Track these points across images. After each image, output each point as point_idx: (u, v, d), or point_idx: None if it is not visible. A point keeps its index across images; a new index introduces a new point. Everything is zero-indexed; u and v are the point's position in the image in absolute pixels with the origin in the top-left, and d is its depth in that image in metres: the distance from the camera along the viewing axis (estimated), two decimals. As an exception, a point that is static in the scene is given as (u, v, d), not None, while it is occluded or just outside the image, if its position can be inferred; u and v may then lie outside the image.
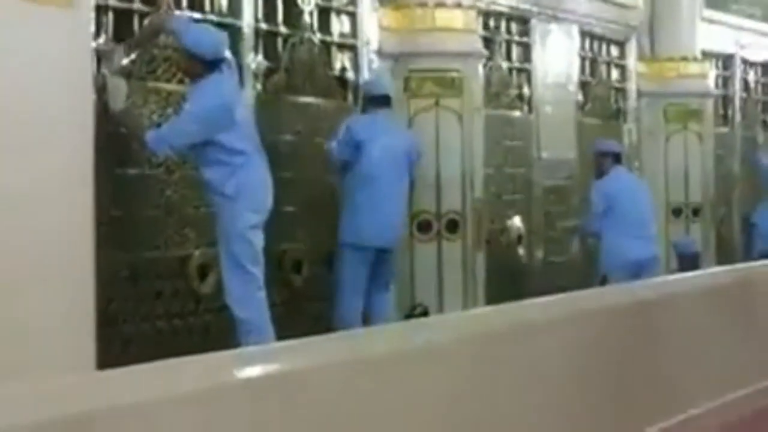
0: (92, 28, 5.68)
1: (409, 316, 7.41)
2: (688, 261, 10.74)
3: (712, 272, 10.19)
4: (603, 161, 9.31)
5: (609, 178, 9.23)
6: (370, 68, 7.93)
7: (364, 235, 7.12)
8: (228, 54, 6.46)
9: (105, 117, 5.71)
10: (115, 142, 6.00)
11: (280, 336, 6.08)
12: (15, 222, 4.84)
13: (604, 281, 9.54)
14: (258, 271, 6.20)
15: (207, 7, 6.82)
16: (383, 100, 7.47)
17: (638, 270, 8.96)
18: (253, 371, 4.54)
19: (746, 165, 12.94)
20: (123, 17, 6.29)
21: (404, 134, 7.65)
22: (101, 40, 6.07)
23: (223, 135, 6.09)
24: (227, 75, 6.33)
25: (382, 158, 7.20)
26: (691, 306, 7.92)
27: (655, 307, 7.55)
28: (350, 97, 7.89)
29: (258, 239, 6.24)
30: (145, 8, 6.39)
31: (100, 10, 6.01)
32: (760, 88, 13.68)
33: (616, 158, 9.44)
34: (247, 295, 6.15)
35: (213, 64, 6.24)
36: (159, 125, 6.21)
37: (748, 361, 8.19)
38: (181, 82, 6.49)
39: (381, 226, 7.21)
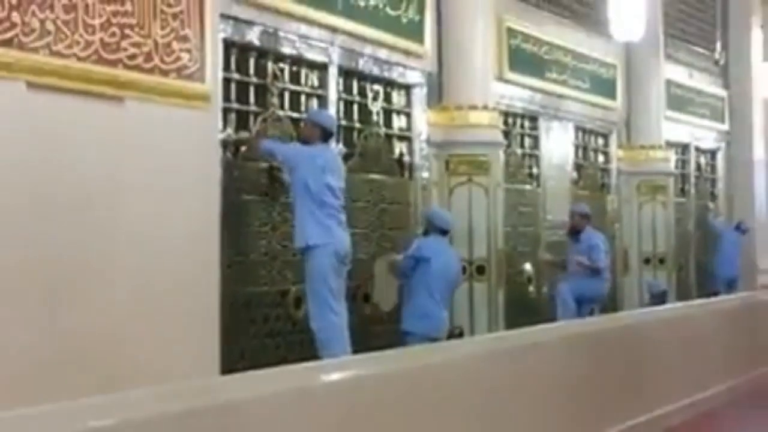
0: (220, 124, 5.79)
1: (450, 336, 7.36)
2: (658, 297, 10.68)
3: (675, 305, 10.15)
4: (581, 221, 9.06)
5: (594, 235, 9.16)
6: (420, 154, 7.92)
7: (422, 329, 7.00)
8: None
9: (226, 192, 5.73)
10: (234, 209, 6.05)
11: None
12: (166, 265, 4.91)
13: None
14: (335, 301, 6.10)
15: (303, 108, 6.88)
16: (445, 231, 7.36)
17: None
18: (332, 377, 4.57)
19: (699, 226, 12.87)
20: (242, 115, 6.38)
21: (455, 255, 7.50)
22: (227, 131, 6.16)
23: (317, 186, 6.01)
24: (330, 148, 6.42)
25: (440, 271, 7.12)
26: (660, 330, 7.87)
27: (631, 330, 7.51)
28: (406, 174, 7.86)
29: (338, 279, 6.16)
30: (258, 109, 6.49)
31: (226, 111, 6.11)
32: (708, 169, 13.59)
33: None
34: (325, 320, 6.04)
35: (326, 137, 6.34)
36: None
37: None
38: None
39: (437, 323, 7.13)
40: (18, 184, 4.28)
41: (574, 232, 9.03)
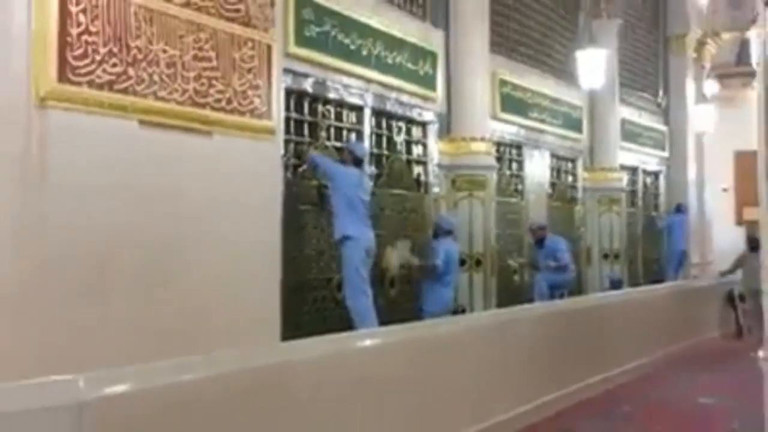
0: (282, 152, 5.80)
1: (455, 312, 7.35)
2: (615, 284, 10.60)
3: (627, 291, 10.07)
4: (540, 233, 8.98)
5: (557, 239, 9.10)
6: (433, 174, 7.89)
7: (443, 305, 7.13)
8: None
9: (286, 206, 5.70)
10: (292, 216, 6.05)
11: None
12: (241, 259, 4.93)
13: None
14: (365, 285, 6.16)
15: (344, 139, 6.89)
16: (450, 232, 7.41)
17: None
18: (365, 344, 4.57)
19: (645, 230, 12.73)
20: (298, 145, 6.39)
21: (457, 248, 7.53)
22: (287, 157, 6.16)
23: (350, 195, 6.11)
24: (360, 171, 6.41)
25: (450, 265, 7.25)
26: (616, 309, 7.82)
27: (593, 310, 7.47)
28: (422, 190, 7.82)
29: (366, 266, 6.22)
30: (310, 140, 6.50)
31: (287, 141, 6.13)
32: (652, 186, 13.47)
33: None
34: (358, 300, 6.10)
35: (357, 162, 6.38)
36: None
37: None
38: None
39: (448, 303, 7.28)
40: (132, 198, 4.33)
41: (539, 242, 8.97)
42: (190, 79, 4.65)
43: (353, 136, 6.96)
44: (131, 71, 4.32)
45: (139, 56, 4.37)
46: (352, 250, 6.10)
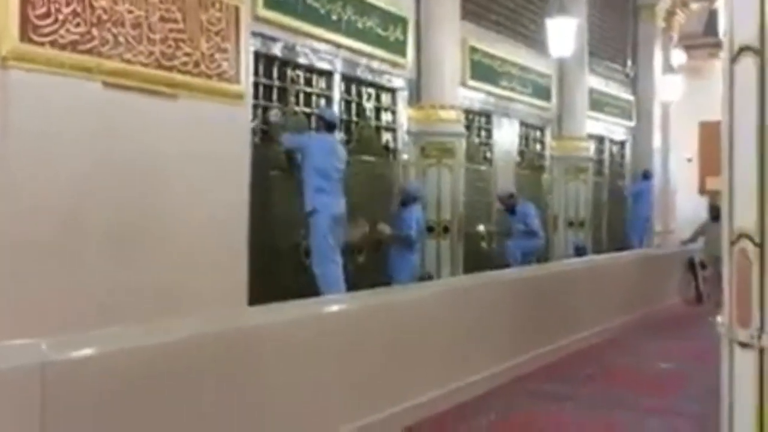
0: (250, 117, 5.73)
1: (422, 278, 7.38)
2: (580, 251, 10.73)
3: (591, 257, 10.22)
4: (510, 201, 8.98)
5: (526, 205, 9.14)
6: (402, 141, 7.86)
7: (410, 271, 7.17)
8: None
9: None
10: (260, 181, 5.98)
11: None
12: (209, 222, 4.90)
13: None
14: (333, 253, 6.12)
15: (314, 105, 6.82)
16: (417, 199, 7.38)
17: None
18: (332, 309, 4.58)
19: (611, 197, 12.84)
20: (267, 110, 6.30)
21: (421, 212, 7.51)
22: (255, 122, 6.09)
23: (322, 165, 6.05)
24: (333, 136, 6.39)
25: (418, 232, 7.27)
26: (580, 275, 7.94)
27: (559, 276, 7.57)
28: (391, 157, 7.80)
29: (335, 233, 6.16)
30: (279, 105, 6.43)
31: (255, 106, 6.05)
32: (619, 155, 13.57)
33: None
34: (325, 267, 6.08)
35: (329, 127, 6.35)
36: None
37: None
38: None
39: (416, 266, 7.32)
40: (97, 160, 4.27)
41: (510, 209, 9.01)
42: (156, 41, 4.56)
43: (323, 101, 6.90)
44: (95, 32, 4.22)
45: (104, 17, 4.27)
46: (320, 218, 6.06)
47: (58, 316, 3.90)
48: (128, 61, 4.40)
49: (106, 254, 4.27)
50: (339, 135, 6.86)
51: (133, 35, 4.43)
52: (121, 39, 4.35)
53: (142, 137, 4.50)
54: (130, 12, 4.41)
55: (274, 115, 6.24)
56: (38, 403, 2.54)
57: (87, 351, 2.81)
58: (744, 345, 2.15)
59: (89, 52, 4.19)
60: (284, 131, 6.26)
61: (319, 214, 6.04)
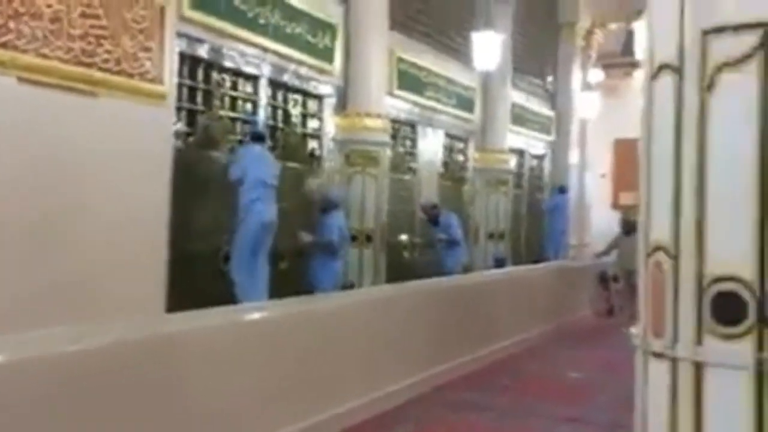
0: (174, 119, 5.61)
1: (344, 287, 7.33)
2: (499, 262, 10.90)
3: (510, 269, 10.40)
4: (433, 211, 8.98)
5: (450, 214, 9.22)
6: (328, 149, 7.84)
7: (333, 280, 6.92)
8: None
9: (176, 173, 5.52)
10: (181, 185, 5.87)
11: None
12: (127, 225, 4.77)
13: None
14: (254, 261, 6.01)
15: (239, 109, 6.73)
16: (338, 205, 7.14)
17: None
18: (253, 317, 4.51)
19: (530, 210, 13.10)
20: (191, 113, 6.21)
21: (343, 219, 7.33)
22: (178, 125, 5.98)
23: (258, 175, 5.98)
24: (262, 149, 6.33)
25: (343, 239, 7.04)
26: (500, 286, 8.08)
27: (479, 286, 7.67)
28: (316, 164, 7.77)
29: (263, 241, 6.06)
30: (204, 108, 6.32)
31: (179, 109, 5.93)
32: (538, 169, 13.89)
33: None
34: (245, 274, 5.99)
35: (260, 139, 6.36)
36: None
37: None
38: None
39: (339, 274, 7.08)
40: (12, 157, 4.10)
41: (433, 220, 9.04)
42: (76, 37, 4.41)
43: (248, 106, 6.82)
44: (12, 24, 4.05)
45: (21, 9, 4.10)
46: (250, 225, 5.96)
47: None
48: (45, 56, 4.24)
49: (21, 253, 4.10)
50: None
51: (52, 29, 4.27)
52: (38, 33, 4.19)
53: (58, 135, 4.34)
54: (49, 6, 4.25)
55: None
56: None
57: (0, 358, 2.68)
58: (658, 355, 2.21)
59: (4, 45, 4.02)
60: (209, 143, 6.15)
61: (251, 221, 5.95)
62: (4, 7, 4.02)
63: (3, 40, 4.02)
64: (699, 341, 2.11)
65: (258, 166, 6.05)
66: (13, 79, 4.09)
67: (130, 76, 4.75)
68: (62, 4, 4.32)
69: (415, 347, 5.77)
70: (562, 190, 13.33)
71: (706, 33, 2.08)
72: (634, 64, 12.39)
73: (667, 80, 2.17)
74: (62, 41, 4.33)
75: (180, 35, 5.66)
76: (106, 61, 4.58)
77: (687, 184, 2.13)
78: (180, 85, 5.91)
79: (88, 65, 4.48)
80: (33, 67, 4.17)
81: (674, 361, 2.15)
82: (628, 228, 9.36)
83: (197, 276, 6.11)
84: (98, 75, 4.54)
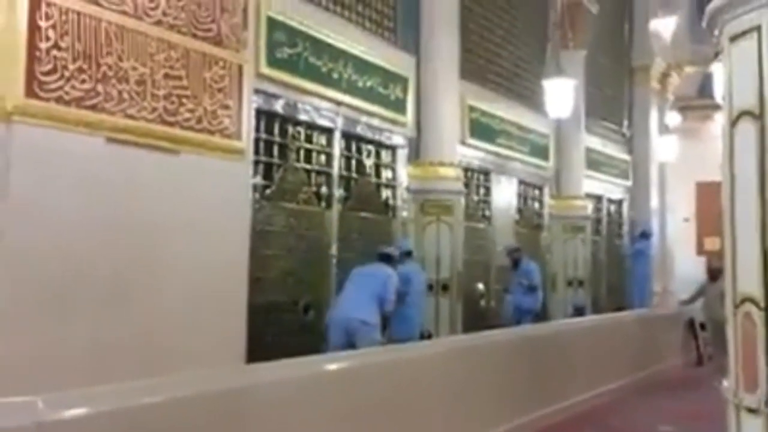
0: (251, 172, 5.77)
1: (422, 336, 7.29)
2: (579, 310, 10.67)
3: (591, 317, 10.15)
4: (517, 255, 9.06)
5: (529, 262, 9.14)
6: (402, 198, 7.90)
7: (410, 329, 6.96)
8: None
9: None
10: (260, 236, 6.01)
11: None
12: (208, 278, 4.88)
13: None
14: None
15: (314, 161, 6.88)
16: (410, 254, 7.30)
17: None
18: (332, 367, 4.52)
19: (609, 256, 12.83)
20: (268, 166, 6.36)
21: (422, 271, 7.49)
22: (257, 178, 6.14)
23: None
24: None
25: (418, 284, 7.18)
26: (581, 335, 7.87)
27: (559, 335, 7.50)
28: (390, 213, 7.83)
29: None
30: (280, 161, 6.48)
31: (256, 162, 6.09)
32: (616, 214, 13.63)
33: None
34: None
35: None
36: None
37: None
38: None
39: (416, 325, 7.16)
40: (98, 216, 4.27)
41: (515, 263, 9.02)
42: (160, 97, 4.61)
43: (323, 158, 6.95)
44: (100, 88, 4.27)
45: (109, 73, 4.33)
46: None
47: (52, 372, 3.84)
48: (132, 117, 4.44)
49: (100, 314, 4.23)
50: (338, 191, 6.94)
51: (137, 91, 4.49)
52: (125, 95, 4.41)
53: (142, 193, 4.51)
54: (135, 69, 4.47)
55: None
56: (31, 463, 2.48)
57: (82, 410, 2.76)
58: (752, 410, 2.12)
59: (93, 108, 4.24)
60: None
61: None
62: (93, 71, 4.25)
63: (92, 102, 4.24)
64: (795, 396, 2.01)
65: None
66: (101, 140, 4.29)
67: (211, 133, 4.93)
68: (147, 67, 4.54)
69: (493, 398, 5.67)
70: (645, 234, 12.96)
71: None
72: (713, 107, 12.09)
73: (747, 127, 2.13)
74: (147, 102, 4.53)
75: (257, 92, 5.84)
76: (187, 119, 4.77)
77: (775, 232, 2.07)
78: (257, 140, 6.07)
79: (171, 124, 4.68)
80: (120, 128, 4.37)
81: (769, 418, 2.06)
82: (714, 275, 9.04)
83: (279, 328, 6.20)
84: (180, 133, 4.72)
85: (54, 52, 4.05)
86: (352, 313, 5.90)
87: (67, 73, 4.11)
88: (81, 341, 4.11)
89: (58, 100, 4.07)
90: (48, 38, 4.02)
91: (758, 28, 2.09)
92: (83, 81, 4.19)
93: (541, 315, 9.78)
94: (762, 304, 2.10)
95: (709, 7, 2.42)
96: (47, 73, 4.02)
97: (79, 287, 4.15)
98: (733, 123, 2.22)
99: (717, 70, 10.30)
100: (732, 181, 2.25)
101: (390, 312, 6.25)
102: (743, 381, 2.18)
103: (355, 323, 5.88)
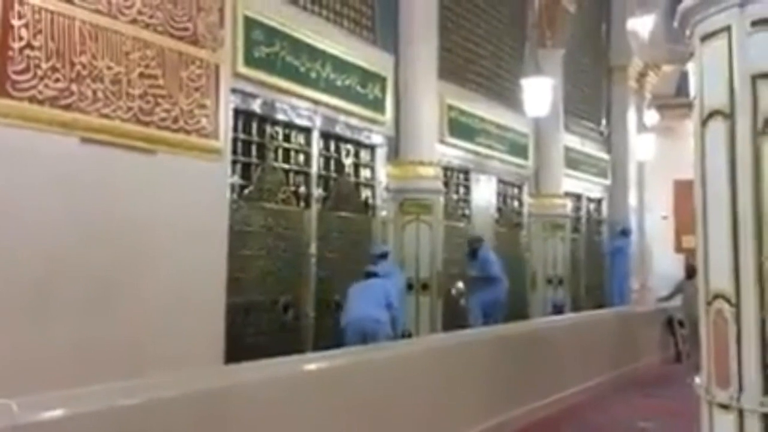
0: (229, 172, 5.75)
1: (401, 335, 7.28)
2: (558, 308, 10.72)
3: (570, 315, 10.21)
4: (477, 245, 8.94)
5: (488, 252, 9.11)
6: (381, 198, 7.90)
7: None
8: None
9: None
10: (238, 237, 6.00)
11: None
12: (185, 278, 4.87)
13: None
14: None
15: (292, 161, 6.86)
16: (384, 256, 7.28)
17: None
18: (311, 367, 4.52)
19: (589, 254, 12.90)
20: (245, 166, 6.34)
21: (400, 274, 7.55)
22: (234, 178, 6.11)
23: None
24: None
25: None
26: (560, 333, 7.92)
27: (538, 334, 7.53)
28: (369, 212, 7.83)
29: None
30: (258, 161, 6.46)
31: (234, 162, 6.06)
32: (595, 213, 13.72)
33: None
34: None
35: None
36: None
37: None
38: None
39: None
40: (73, 217, 4.25)
41: (473, 254, 8.91)
42: (136, 96, 4.59)
43: (301, 157, 6.94)
44: (74, 87, 4.24)
45: (83, 72, 4.30)
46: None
47: (30, 374, 3.81)
48: (106, 116, 4.42)
49: (77, 315, 4.21)
50: (317, 191, 6.93)
51: (112, 91, 4.46)
52: (99, 94, 4.38)
53: (119, 193, 4.49)
54: (110, 68, 4.45)
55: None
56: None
57: (59, 412, 2.75)
58: (723, 406, 2.15)
59: (67, 107, 4.21)
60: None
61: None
62: (67, 71, 4.22)
63: (66, 102, 4.21)
64: (766, 392, 2.05)
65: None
66: (76, 139, 4.26)
67: (187, 132, 4.91)
68: (121, 66, 4.52)
69: (473, 397, 5.69)
70: (625, 232, 13.06)
71: (755, 78, 2.07)
72: (690, 105, 12.18)
73: (718, 126, 2.16)
74: (122, 101, 4.51)
75: (234, 91, 5.82)
76: (163, 119, 4.75)
77: (744, 229, 2.10)
78: (235, 139, 6.04)
79: (147, 124, 4.65)
80: (95, 128, 4.35)
81: (740, 413, 2.09)
82: (691, 272, 9.13)
83: (258, 328, 6.19)
84: (156, 133, 4.70)
85: (27, 51, 4.02)
86: (366, 314, 6.26)
87: (40, 72, 4.08)
88: (59, 342, 4.09)
89: (32, 99, 4.04)
90: (21, 37, 3.99)
91: (728, 29, 2.12)
92: (57, 80, 4.16)
93: (521, 314, 9.83)
94: (733, 301, 2.13)
95: (681, 7, 2.45)
96: (20, 72, 3.99)
97: (57, 289, 4.12)
98: (704, 122, 2.25)
99: (691, 69, 10.40)
100: (703, 180, 2.28)
101: (397, 313, 6.62)
102: (716, 377, 2.21)
103: (370, 323, 6.23)
